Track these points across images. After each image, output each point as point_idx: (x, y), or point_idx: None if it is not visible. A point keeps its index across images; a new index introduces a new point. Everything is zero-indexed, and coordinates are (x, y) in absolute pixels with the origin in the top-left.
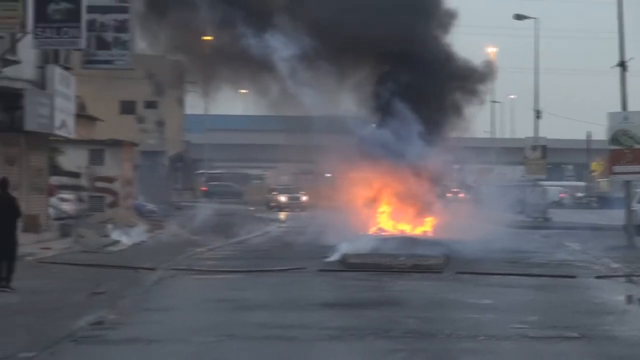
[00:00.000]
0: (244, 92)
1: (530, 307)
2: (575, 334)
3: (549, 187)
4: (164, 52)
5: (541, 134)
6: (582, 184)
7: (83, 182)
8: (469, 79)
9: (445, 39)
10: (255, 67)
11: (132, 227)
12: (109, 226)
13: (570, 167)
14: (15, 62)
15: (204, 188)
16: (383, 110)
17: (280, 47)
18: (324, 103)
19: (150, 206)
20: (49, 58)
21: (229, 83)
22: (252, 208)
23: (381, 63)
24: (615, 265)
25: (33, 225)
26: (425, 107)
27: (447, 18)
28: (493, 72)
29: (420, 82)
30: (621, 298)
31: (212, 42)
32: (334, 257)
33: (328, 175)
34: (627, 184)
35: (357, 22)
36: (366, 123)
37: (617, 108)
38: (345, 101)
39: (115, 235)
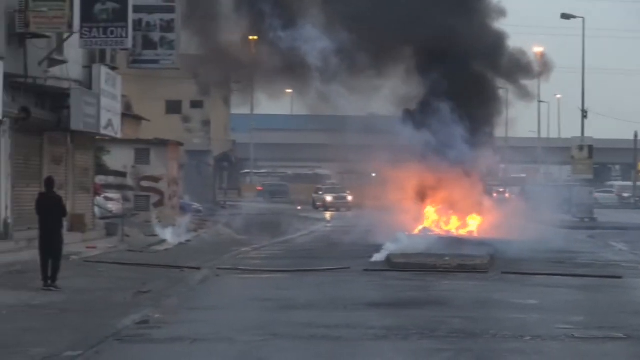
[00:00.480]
0: (288, 92)
1: (576, 307)
2: (621, 335)
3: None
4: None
5: (587, 134)
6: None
7: (129, 181)
8: (518, 74)
9: (493, 33)
10: (291, 66)
11: (178, 226)
12: (155, 225)
13: (617, 167)
14: (62, 62)
15: (260, 187)
16: (425, 109)
17: (312, 39)
18: (355, 102)
19: (196, 205)
20: (95, 58)
21: (268, 82)
22: (299, 207)
23: (423, 60)
24: None
25: (79, 225)
26: (471, 104)
27: (496, 14)
28: (547, 69)
29: (464, 79)
30: None
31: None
32: (379, 257)
33: (373, 174)
34: None
35: (399, 18)
36: (406, 122)
37: None
38: (381, 100)
39: (161, 234)
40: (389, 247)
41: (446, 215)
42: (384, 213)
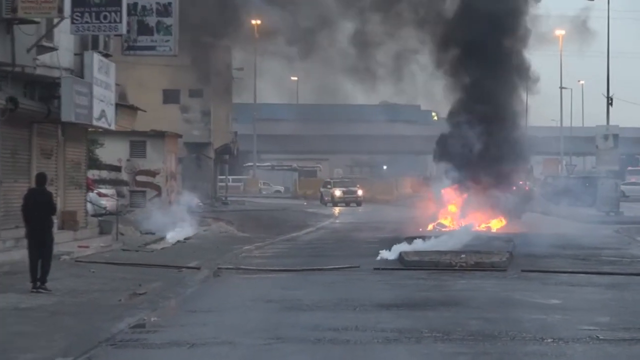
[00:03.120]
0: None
1: (601, 307)
2: None
3: None
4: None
5: (613, 122)
6: None
7: (123, 176)
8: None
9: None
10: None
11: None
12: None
13: None
14: (52, 49)
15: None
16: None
17: None
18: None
19: (196, 201)
20: (87, 44)
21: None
22: (305, 203)
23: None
24: None
25: (70, 222)
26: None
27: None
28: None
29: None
30: None
31: None
32: (391, 254)
33: (385, 167)
34: None
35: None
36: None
37: None
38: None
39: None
40: (402, 245)
41: (463, 210)
42: (396, 208)
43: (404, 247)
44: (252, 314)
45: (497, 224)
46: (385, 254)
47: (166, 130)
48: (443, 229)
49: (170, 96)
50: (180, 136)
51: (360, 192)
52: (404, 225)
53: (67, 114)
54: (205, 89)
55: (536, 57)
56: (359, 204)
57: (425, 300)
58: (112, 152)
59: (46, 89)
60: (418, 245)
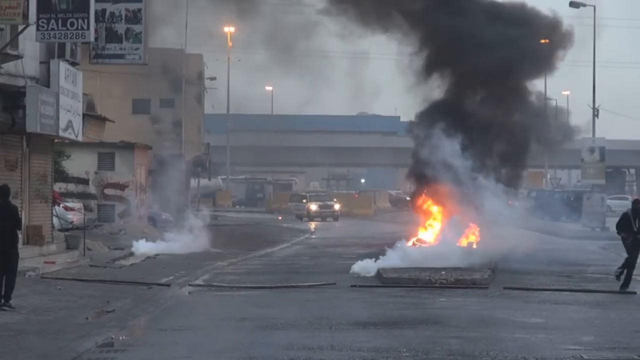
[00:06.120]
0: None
1: (586, 326)
2: (635, 356)
3: None
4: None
5: (599, 134)
6: None
7: (91, 189)
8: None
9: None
10: None
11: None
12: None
13: (632, 170)
14: (17, 57)
15: None
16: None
17: None
18: None
19: (166, 215)
20: (53, 52)
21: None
22: (280, 217)
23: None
24: None
25: (36, 237)
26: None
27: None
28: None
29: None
30: None
31: None
32: (367, 270)
33: (362, 180)
34: None
35: None
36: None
37: None
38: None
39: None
40: (378, 261)
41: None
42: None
43: (374, 262)
44: (225, 333)
45: (475, 239)
46: (362, 270)
47: (136, 141)
48: (423, 244)
49: (140, 106)
50: (151, 148)
51: (337, 207)
52: (382, 241)
53: (33, 125)
54: (176, 98)
55: None
56: (335, 218)
57: (403, 319)
58: (80, 164)
59: (10, 99)
60: (396, 259)
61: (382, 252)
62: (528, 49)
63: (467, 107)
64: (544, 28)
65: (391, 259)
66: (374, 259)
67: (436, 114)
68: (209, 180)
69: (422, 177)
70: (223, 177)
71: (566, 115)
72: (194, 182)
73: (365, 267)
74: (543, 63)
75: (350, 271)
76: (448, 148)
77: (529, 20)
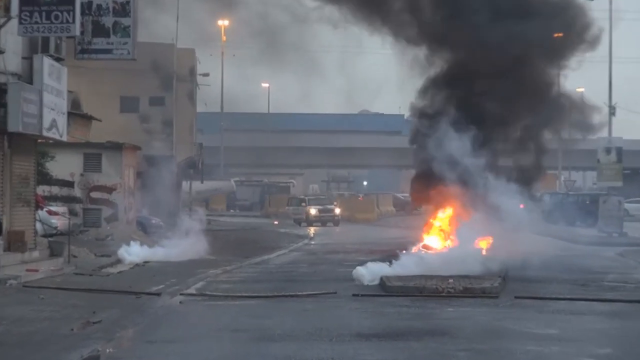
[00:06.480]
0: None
1: (603, 337)
2: None
3: None
4: None
5: (616, 134)
6: None
7: (76, 192)
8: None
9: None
10: None
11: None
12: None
13: None
14: None
15: None
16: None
17: None
18: None
19: (156, 220)
20: (37, 47)
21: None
22: (276, 222)
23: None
24: None
25: (17, 244)
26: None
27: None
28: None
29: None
30: None
31: None
32: (371, 279)
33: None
34: None
35: None
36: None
37: None
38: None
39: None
40: (383, 268)
41: (451, 229)
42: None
43: (386, 269)
44: (218, 344)
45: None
46: (365, 278)
47: (124, 141)
48: (429, 251)
49: (128, 104)
50: (140, 148)
51: (337, 211)
52: (386, 247)
53: (14, 124)
54: (167, 96)
55: None
56: (336, 223)
57: (408, 330)
58: (64, 165)
59: None
60: (401, 267)
61: (390, 258)
62: (549, 37)
63: (478, 97)
64: (567, 16)
65: (405, 265)
66: (387, 263)
67: (441, 94)
68: (202, 182)
69: (429, 174)
70: (236, 179)
71: (587, 110)
72: (200, 184)
73: (375, 271)
74: (562, 53)
75: (356, 273)
76: (456, 142)
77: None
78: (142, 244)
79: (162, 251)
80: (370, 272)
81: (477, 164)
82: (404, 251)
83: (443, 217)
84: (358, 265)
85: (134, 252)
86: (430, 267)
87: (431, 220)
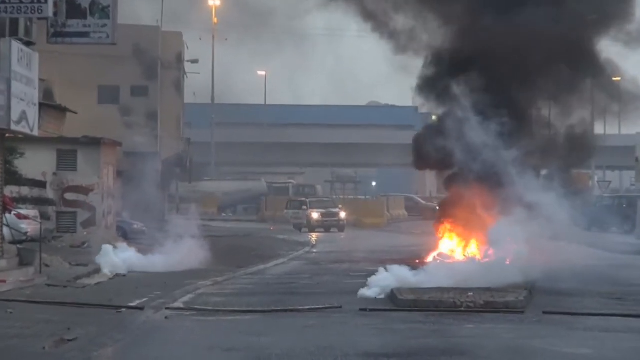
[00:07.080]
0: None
1: None
2: None
3: None
4: None
5: None
6: None
7: (49, 193)
8: None
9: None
10: None
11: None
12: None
13: None
14: None
15: None
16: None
17: None
18: None
19: (138, 225)
20: (4, 30)
21: None
22: (272, 228)
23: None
24: None
25: None
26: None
27: None
28: None
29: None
30: None
31: None
32: (379, 291)
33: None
34: None
35: None
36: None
37: None
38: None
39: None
40: (393, 279)
41: (471, 236)
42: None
43: (397, 280)
44: None
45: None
46: (373, 291)
47: (102, 136)
48: (446, 260)
49: (107, 94)
50: (120, 144)
51: (342, 215)
52: (396, 255)
53: None
54: (151, 85)
55: None
56: (341, 229)
57: (422, 349)
58: (35, 163)
59: None
60: (414, 278)
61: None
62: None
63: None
64: None
65: (433, 274)
66: (410, 269)
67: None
68: (190, 182)
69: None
70: (207, 179)
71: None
72: (232, 185)
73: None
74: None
75: (372, 281)
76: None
77: None
78: (123, 251)
79: (146, 260)
80: (394, 276)
81: (512, 157)
82: (425, 260)
83: (462, 221)
84: (367, 275)
85: (114, 261)
86: (464, 277)
87: (447, 225)
